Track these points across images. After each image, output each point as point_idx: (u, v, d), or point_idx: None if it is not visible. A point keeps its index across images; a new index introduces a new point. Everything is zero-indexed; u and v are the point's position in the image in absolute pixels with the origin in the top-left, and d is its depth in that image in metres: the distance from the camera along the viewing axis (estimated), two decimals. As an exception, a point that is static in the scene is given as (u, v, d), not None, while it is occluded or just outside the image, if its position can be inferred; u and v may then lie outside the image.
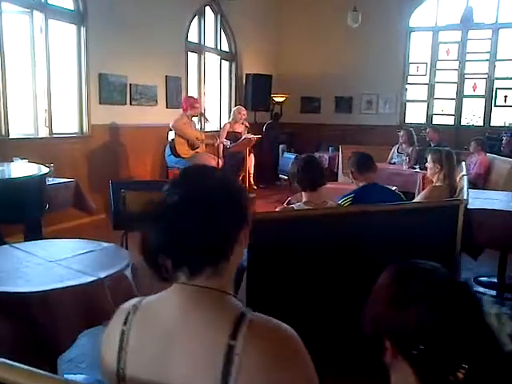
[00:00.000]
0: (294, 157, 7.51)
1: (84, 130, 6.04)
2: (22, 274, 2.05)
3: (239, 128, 7.45)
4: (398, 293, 0.96)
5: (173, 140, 6.54)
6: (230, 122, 7.53)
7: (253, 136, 7.18)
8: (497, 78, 9.26)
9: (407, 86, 9.84)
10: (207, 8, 8.21)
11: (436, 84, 9.72)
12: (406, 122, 9.78)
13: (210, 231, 0.96)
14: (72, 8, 5.80)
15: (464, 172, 4.10)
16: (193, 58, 7.98)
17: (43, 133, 5.57)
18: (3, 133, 5.02)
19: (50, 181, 4.06)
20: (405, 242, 2.62)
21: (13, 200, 3.28)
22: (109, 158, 6.29)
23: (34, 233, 3.60)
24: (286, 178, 7.51)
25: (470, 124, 9.47)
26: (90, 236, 3.29)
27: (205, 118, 7.21)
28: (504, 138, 7.53)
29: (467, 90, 9.50)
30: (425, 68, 9.70)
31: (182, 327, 0.96)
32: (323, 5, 9.67)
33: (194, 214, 0.96)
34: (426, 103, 9.80)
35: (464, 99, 9.55)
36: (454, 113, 9.61)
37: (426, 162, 3.88)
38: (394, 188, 4.02)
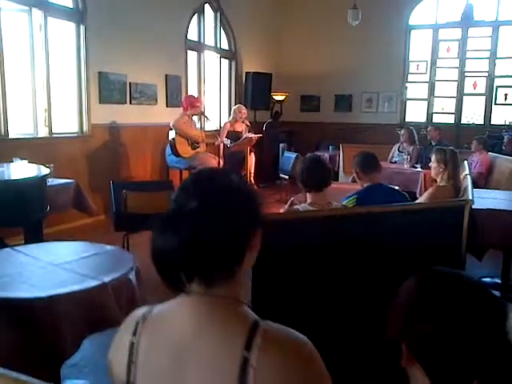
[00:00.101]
0: (294, 156, 7.52)
1: (84, 129, 6.00)
2: (26, 278, 2.02)
3: (240, 127, 7.42)
4: (418, 302, 0.95)
5: (173, 139, 6.50)
6: (230, 122, 7.49)
7: (254, 135, 7.16)
8: (497, 76, 9.25)
9: (407, 84, 9.81)
10: (206, 5, 8.17)
11: (436, 82, 9.70)
12: (407, 120, 9.76)
13: (230, 236, 0.93)
14: (71, 6, 5.76)
15: (467, 171, 4.08)
16: (192, 56, 7.94)
17: (43, 132, 5.53)
18: (2, 133, 4.98)
19: (50, 181, 4.01)
20: (411, 243, 2.61)
21: (13, 202, 3.23)
22: (109, 158, 6.26)
23: (35, 235, 3.56)
24: (287, 177, 7.50)
25: (471, 122, 9.45)
26: (91, 237, 3.26)
27: (205, 117, 7.17)
28: (505, 136, 7.51)
29: (467, 88, 9.48)
30: (425, 66, 9.68)
31: (194, 339, 0.93)
32: (323, 3, 9.63)
33: (215, 220, 0.92)
34: (427, 101, 9.77)
35: (464, 97, 9.54)
36: (454, 111, 9.60)
37: (430, 161, 3.86)
38: (396, 187, 4.00)
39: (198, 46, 8.05)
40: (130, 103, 6.56)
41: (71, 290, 1.92)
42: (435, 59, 9.61)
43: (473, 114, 9.53)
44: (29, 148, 4.91)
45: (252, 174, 7.41)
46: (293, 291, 2.41)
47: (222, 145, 7.05)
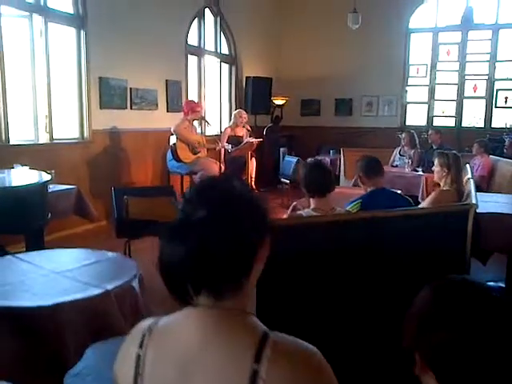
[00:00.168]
0: (295, 160, 7.51)
1: (85, 135, 5.99)
2: (28, 287, 2.00)
3: (241, 132, 7.41)
4: (433, 311, 0.95)
5: (174, 145, 6.49)
6: (230, 126, 7.48)
7: (254, 139, 7.14)
8: (497, 79, 9.26)
9: (407, 88, 9.82)
10: (207, 10, 8.18)
11: (436, 85, 9.71)
12: (407, 123, 9.76)
13: (236, 244, 0.92)
14: (72, 12, 5.76)
15: (469, 175, 4.06)
16: (193, 61, 7.95)
17: (44, 139, 5.52)
18: (3, 139, 4.97)
19: (52, 188, 3.99)
20: (415, 248, 2.59)
21: (14, 209, 3.21)
22: (110, 164, 6.25)
23: (36, 242, 3.54)
24: (288, 181, 7.48)
25: (471, 125, 9.45)
26: (92, 244, 3.25)
27: (206, 122, 7.16)
28: (507, 139, 7.50)
29: (468, 92, 9.49)
30: (425, 69, 9.69)
31: (201, 351, 0.92)
32: (323, 7, 9.65)
33: (221, 228, 0.91)
34: (427, 105, 9.78)
35: (465, 100, 9.54)
36: (454, 114, 9.59)
37: (432, 165, 3.85)
38: (398, 191, 3.99)
39: (198, 51, 8.05)
40: (131, 108, 6.56)
41: (74, 299, 1.91)
42: (435, 62, 9.62)
43: (473, 117, 9.54)
44: (30, 154, 4.89)
45: (253, 179, 7.40)
46: (297, 298, 2.39)
47: (222, 150, 7.03)
